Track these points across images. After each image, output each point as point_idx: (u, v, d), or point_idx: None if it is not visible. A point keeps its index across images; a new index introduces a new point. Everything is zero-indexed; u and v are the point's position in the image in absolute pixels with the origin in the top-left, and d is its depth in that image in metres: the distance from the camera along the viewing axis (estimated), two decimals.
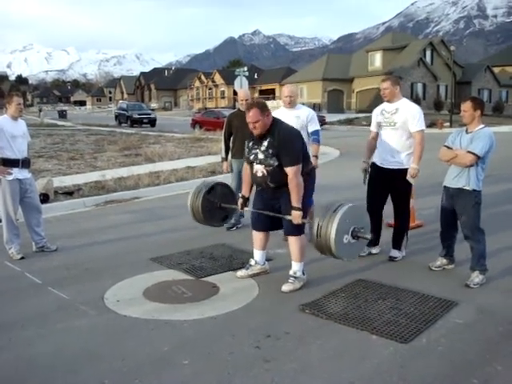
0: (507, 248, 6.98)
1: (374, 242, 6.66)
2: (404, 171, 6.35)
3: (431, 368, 3.95)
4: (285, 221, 5.63)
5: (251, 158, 5.64)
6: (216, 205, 6.37)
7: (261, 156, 5.53)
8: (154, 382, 3.79)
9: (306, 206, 5.70)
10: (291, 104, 7.23)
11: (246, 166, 5.92)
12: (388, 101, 6.51)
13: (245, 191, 6.02)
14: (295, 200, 5.41)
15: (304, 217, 5.55)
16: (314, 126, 7.36)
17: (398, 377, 3.82)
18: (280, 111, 7.36)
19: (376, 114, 6.71)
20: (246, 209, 6.08)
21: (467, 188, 5.67)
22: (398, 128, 6.37)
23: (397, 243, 6.68)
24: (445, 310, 5.02)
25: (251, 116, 5.36)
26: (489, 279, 5.75)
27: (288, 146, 5.39)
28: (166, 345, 4.37)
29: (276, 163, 5.43)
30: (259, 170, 5.57)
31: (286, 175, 5.42)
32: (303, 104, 7.72)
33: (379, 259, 6.60)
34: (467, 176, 5.67)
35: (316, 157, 7.30)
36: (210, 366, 4.01)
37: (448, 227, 6.07)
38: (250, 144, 5.67)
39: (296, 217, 5.44)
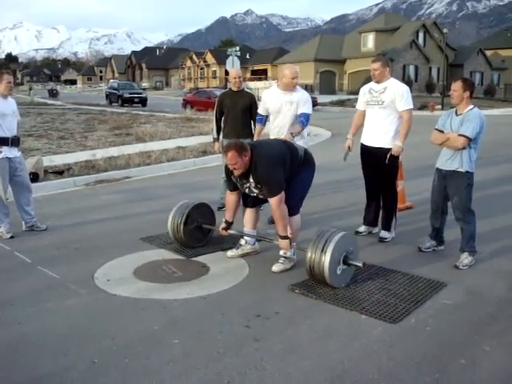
0: (497, 230, 7.03)
1: (373, 222, 6.85)
2: (388, 150, 6.39)
3: (420, 348, 3.98)
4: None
5: (246, 191, 5.69)
6: (197, 226, 6.38)
7: (255, 190, 5.58)
8: (143, 361, 3.80)
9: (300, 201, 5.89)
10: (294, 87, 6.85)
11: (228, 194, 5.86)
12: (377, 81, 6.49)
13: (229, 217, 5.97)
14: (281, 229, 5.50)
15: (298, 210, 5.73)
16: (305, 109, 6.86)
17: (386, 356, 3.85)
18: (273, 93, 7.04)
19: (363, 93, 6.69)
20: (229, 231, 6.03)
21: (461, 170, 5.68)
22: (386, 107, 6.37)
23: (386, 224, 6.70)
24: (434, 290, 5.05)
25: (229, 159, 5.30)
26: (478, 261, 5.78)
27: (266, 180, 5.39)
28: (156, 324, 4.38)
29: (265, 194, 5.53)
30: (252, 192, 5.67)
31: None
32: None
33: (369, 240, 6.62)
34: (460, 158, 5.67)
35: (292, 134, 6.58)
36: (200, 345, 4.03)
37: (438, 209, 6.08)
38: (239, 180, 5.61)
39: (284, 245, 5.54)
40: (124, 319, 4.49)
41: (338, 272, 5.07)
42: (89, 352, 3.94)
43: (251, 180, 5.48)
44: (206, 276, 5.52)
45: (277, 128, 7.01)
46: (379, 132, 6.46)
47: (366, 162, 6.66)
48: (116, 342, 4.08)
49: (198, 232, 6.43)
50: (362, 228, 6.91)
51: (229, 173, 5.60)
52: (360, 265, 5.16)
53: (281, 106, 6.90)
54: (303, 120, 6.81)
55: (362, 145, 6.69)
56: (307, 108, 6.90)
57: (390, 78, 6.49)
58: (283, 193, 5.39)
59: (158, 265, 5.83)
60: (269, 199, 5.45)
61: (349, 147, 6.77)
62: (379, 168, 6.50)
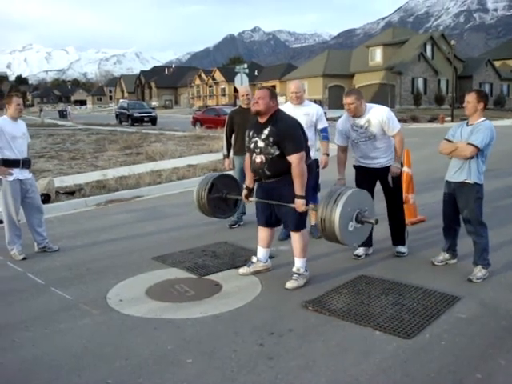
0: (509, 242, 6.96)
1: (369, 242, 6.51)
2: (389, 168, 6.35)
3: (435, 363, 3.94)
4: (287, 216, 5.62)
5: (251, 146, 5.64)
6: (222, 197, 6.39)
7: (261, 144, 5.51)
8: (157, 382, 3.78)
9: (308, 200, 5.68)
10: (299, 100, 7.12)
11: (247, 157, 5.88)
12: (354, 116, 6.27)
13: (249, 182, 5.98)
14: (298, 188, 5.40)
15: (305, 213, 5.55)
16: (323, 123, 7.29)
17: (401, 372, 3.81)
18: (287, 107, 7.15)
19: (346, 131, 6.47)
20: (250, 199, 6.02)
21: (469, 181, 5.65)
22: (378, 138, 6.25)
23: (400, 239, 6.62)
24: (448, 304, 5.01)
25: (259, 92, 5.47)
26: (492, 274, 5.73)
27: (291, 133, 5.42)
28: (170, 344, 4.37)
29: (277, 152, 5.41)
30: (258, 157, 5.57)
31: (283, 165, 5.40)
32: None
33: (381, 255, 6.58)
34: (468, 169, 5.65)
35: (327, 154, 7.29)
36: (214, 364, 4.01)
37: (450, 222, 6.05)
38: (251, 133, 5.67)
39: (299, 205, 5.41)
40: (137, 339, 4.48)
41: (350, 228, 5.01)
42: (102, 372, 3.93)
43: (265, 132, 5.46)
44: (219, 294, 5.51)
45: None
46: (374, 157, 6.37)
47: (363, 180, 6.43)
48: (129, 363, 4.07)
49: (223, 203, 6.45)
50: (361, 251, 6.60)
51: (251, 125, 5.75)
52: (372, 221, 5.13)
53: (297, 118, 6.97)
54: (326, 135, 7.31)
55: (358, 165, 6.56)
56: (325, 122, 7.32)
57: (367, 106, 6.29)
58: (304, 153, 5.41)
59: (171, 284, 5.82)
60: (290, 156, 5.37)
61: (344, 185, 6.58)
62: (384, 186, 6.41)
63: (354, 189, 5.21)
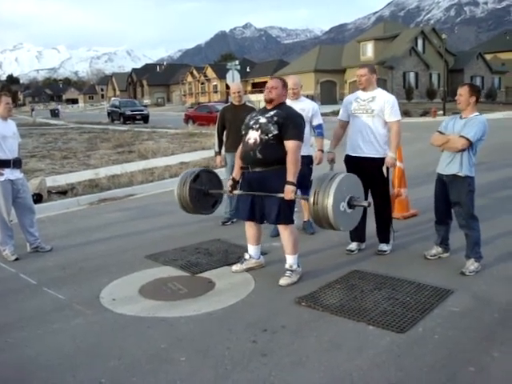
0: (502, 235, 6.99)
1: (362, 237, 6.60)
2: (380, 160, 6.27)
3: (428, 357, 3.95)
4: (271, 209, 5.52)
5: (251, 123, 5.65)
6: (203, 192, 6.27)
7: (263, 120, 5.53)
8: (151, 380, 3.78)
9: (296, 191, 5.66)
10: (295, 96, 7.15)
11: (240, 146, 5.84)
12: (363, 89, 6.37)
13: (235, 174, 5.93)
14: (291, 175, 5.35)
15: (293, 210, 5.57)
16: (318, 119, 7.32)
17: (395, 367, 3.82)
18: None
19: (349, 102, 6.53)
20: (235, 192, 5.92)
21: (460, 174, 5.65)
22: (375, 115, 6.26)
23: (384, 236, 6.56)
24: (441, 298, 5.02)
25: (272, 82, 5.65)
26: (484, 267, 5.75)
27: (296, 120, 5.53)
28: (163, 342, 4.36)
29: (275, 132, 5.40)
30: (252, 136, 5.53)
31: (276, 152, 5.40)
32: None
33: (374, 250, 6.58)
34: (459, 162, 5.65)
35: (321, 151, 7.30)
36: (208, 362, 4.01)
37: (442, 215, 6.06)
38: (254, 114, 5.78)
39: (289, 191, 5.32)
40: (130, 338, 4.47)
41: (342, 209, 4.99)
42: (96, 372, 3.92)
43: (271, 112, 5.53)
44: (212, 292, 5.50)
45: None
46: (366, 141, 6.31)
47: (353, 173, 6.30)
48: (123, 362, 4.07)
49: (204, 198, 6.34)
50: (354, 246, 6.61)
51: (256, 111, 5.93)
52: (365, 204, 5.17)
53: None
54: (321, 131, 7.35)
55: (348, 156, 6.50)
56: (320, 118, 7.37)
57: (378, 87, 6.40)
58: (301, 143, 5.48)
59: (164, 282, 5.81)
60: (288, 141, 5.38)
61: (332, 160, 6.62)
62: (370, 179, 6.26)
63: (346, 173, 5.26)
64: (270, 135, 5.42)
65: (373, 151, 6.29)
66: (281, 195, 5.38)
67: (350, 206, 5.09)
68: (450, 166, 5.74)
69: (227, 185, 6.03)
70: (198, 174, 6.25)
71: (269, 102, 5.60)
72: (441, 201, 5.99)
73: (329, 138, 6.95)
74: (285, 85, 5.70)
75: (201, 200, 6.30)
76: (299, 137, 5.43)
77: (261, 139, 5.46)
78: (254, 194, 5.66)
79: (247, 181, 5.73)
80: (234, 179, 5.93)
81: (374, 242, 6.67)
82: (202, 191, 6.26)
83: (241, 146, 5.77)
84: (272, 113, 5.52)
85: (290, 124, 5.41)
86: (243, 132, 5.77)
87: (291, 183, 5.34)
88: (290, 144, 5.37)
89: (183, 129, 29.48)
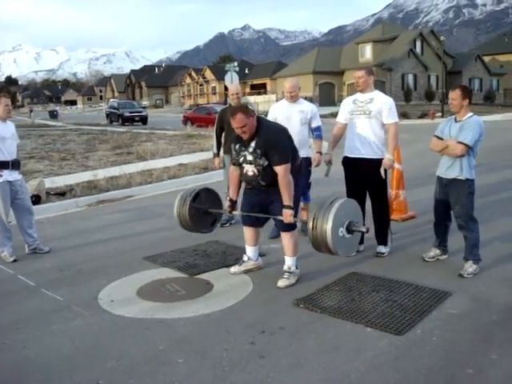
0: (500, 237, 6.98)
1: (360, 240, 6.57)
2: (378, 161, 6.26)
3: (426, 359, 3.95)
4: (279, 217, 5.58)
5: (240, 160, 5.61)
6: (203, 210, 6.25)
7: (250, 157, 5.50)
8: (148, 382, 3.78)
9: (296, 204, 5.68)
10: (294, 98, 7.15)
11: (232, 169, 5.87)
12: (361, 91, 6.39)
13: (232, 194, 5.95)
14: (286, 199, 5.40)
15: (295, 214, 5.54)
16: (317, 122, 7.31)
17: (393, 369, 3.82)
18: (282, 105, 7.36)
19: (347, 104, 6.56)
20: (234, 212, 6.02)
21: (461, 178, 5.67)
22: (373, 117, 6.27)
23: (381, 239, 6.57)
24: (439, 300, 5.02)
25: (237, 121, 5.31)
26: (482, 268, 5.75)
27: (276, 144, 5.37)
28: (161, 344, 4.36)
29: (266, 163, 5.41)
30: (250, 169, 5.55)
31: (276, 175, 5.39)
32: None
33: (372, 252, 6.57)
34: (460, 166, 5.66)
35: (320, 153, 7.28)
36: (206, 364, 4.01)
37: (441, 217, 6.06)
38: (237, 147, 5.62)
39: (287, 216, 5.41)
40: (128, 340, 4.47)
41: (340, 234, 4.97)
42: (94, 373, 3.92)
43: (252, 145, 5.44)
44: (210, 293, 5.50)
45: None
46: (364, 142, 6.32)
47: (352, 175, 6.46)
48: (121, 363, 4.06)
49: (204, 217, 6.30)
50: None
51: (234, 139, 5.65)
52: (363, 230, 5.13)
53: (290, 114, 7.10)
54: (319, 134, 7.32)
55: (347, 158, 6.52)
56: (318, 120, 7.34)
57: (375, 90, 6.42)
58: (289, 163, 5.38)
59: (162, 284, 5.81)
60: (276, 167, 5.36)
61: (329, 161, 6.66)
62: (368, 180, 6.34)
63: (345, 198, 5.24)
64: (264, 166, 5.45)
65: (370, 152, 6.30)
66: (280, 218, 5.47)
67: (349, 231, 5.10)
68: (450, 169, 5.75)
69: (225, 205, 6.06)
70: (198, 193, 6.25)
71: (245, 138, 5.48)
72: (440, 203, 5.99)
73: (327, 139, 6.95)
74: (248, 112, 5.34)
75: (200, 219, 6.29)
76: (285, 159, 5.36)
77: (258, 170, 5.50)
78: (255, 215, 5.78)
79: (252, 191, 5.82)
80: (231, 200, 5.95)
81: (372, 244, 6.66)
82: (201, 210, 6.25)
83: (240, 175, 5.77)
84: (253, 145, 5.45)
85: (272, 150, 5.37)
86: (234, 162, 5.79)
87: (288, 207, 5.41)
88: (278, 170, 5.38)
89: (182, 130, 29.46)
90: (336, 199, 5.07)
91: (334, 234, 4.91)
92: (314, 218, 5.01)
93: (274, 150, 5.35)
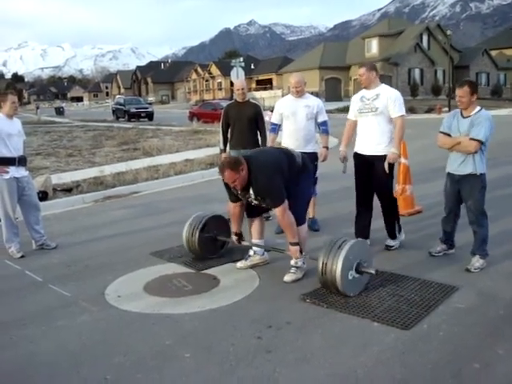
0: (507, 232, 6.96)
1: (367, 234, 6.60)
2: (385, 158, 6.27)
3: (433, 353, 3.94)
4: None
5: (248, 200, 5.67)
6: (211, 238, 6.38)
7: (255, 202, 5.60)
8: (155, 377, 3.79)
9: (306, 205, 5.91)
10: (299, 93, 7.18)
11: (232, 206, 5.84)
12: (366, 87, 6.41)
13: (236, 228, 6.02)
14: (290, 237, 5.50)
15: (305, 211, 5.67)
16: (323, 116, 7.33)
17: (400, 364, 3.82)
18: (287, 100, 7.39)
19: (355, 102, 6.59)
20: (243, 243, 6.08)
21: (475, 173, 5.64)
22: (380, 114, 6.27)
23: (391, 231, 6.58)
24: (446, 295, 5.02)
25: (227, 178, 5.29)
26: (489, 263, 5.74)
27: (266, 190, 5.39)
28: (168, 338, 4.37)
29: (265, 203, 5.56)
30: (255, 202, 5.65)
31: None
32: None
33: (379, 246, 6.56)
34: (473, 161, 5.62)
35: (326, 148, 7.32)
36: (212, 358, 4.01)
37: (452, 213, 6.03)
38: (239, 192, 5.58)
39: (294, 252, 5.52)
40: (135, 335, 4.48)
41: (350, 277, 5.02)
42: (101, 368, 3.94)
43: (251, 192, 5.47)
44: (217, 288, 5.51)
45: (290, 130, 7.24)
46: (373, 139, 6.34)
47: (361, 170, 6.49)
48: (128, 358, 4.08)
49: (212, 243, 6.42)
50: None
51: (228, 186, 5.58)
52: (372, 272, 5.13)
53: (296, 109, 7.14)
54: (326, 128, 7.36)
55: (356, 154, 6.56)
56: (324, 115, 7.37)
57: (381, 84, 6.41)
58: (286, 201, 5.38)
59: (169, 279, 5.82)
60: (273, 209, 5.48)
61: (345, 158, 6.64)
62: (375, 175, 6.37)
63: (355, 240, 5.27)
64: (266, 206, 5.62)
65: (379, 149, 6.32)
66: (288, 253, 5.61)
67: (358, 271, 5.11)
68: (463, 165, 5.70)
69: (233, 239, 6.12)
70: (206, 222, 6.34)
71: (239, 189, 5.46)
72: (451, 199, 5.95)
73: (334, 134, 6.94)
74: (235, 166, 5.22)
75: (209, 246, 6.40)
76: (278, 202, 5.35)
77: (267, 205, 5.62)
78: (264, 247, 6.04)
79: None
80: (237, 234, 6.03)
81: (378, 239, 6.66)
82: (210, 238, 6.37)
83: (235, 211, 5.85)
84: (252, 192, 5.47)
85: (266, 197, 5.44)
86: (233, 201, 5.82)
87: (294, 243, 5.51)
88: (275, 212, 5.47)
89: (188, 126, 29.46)
90: (344, 242, 5.09)
91: (343, 278, 4.96)
92: (322, 264, 5.06)
93: (267, 196, 5.42)
